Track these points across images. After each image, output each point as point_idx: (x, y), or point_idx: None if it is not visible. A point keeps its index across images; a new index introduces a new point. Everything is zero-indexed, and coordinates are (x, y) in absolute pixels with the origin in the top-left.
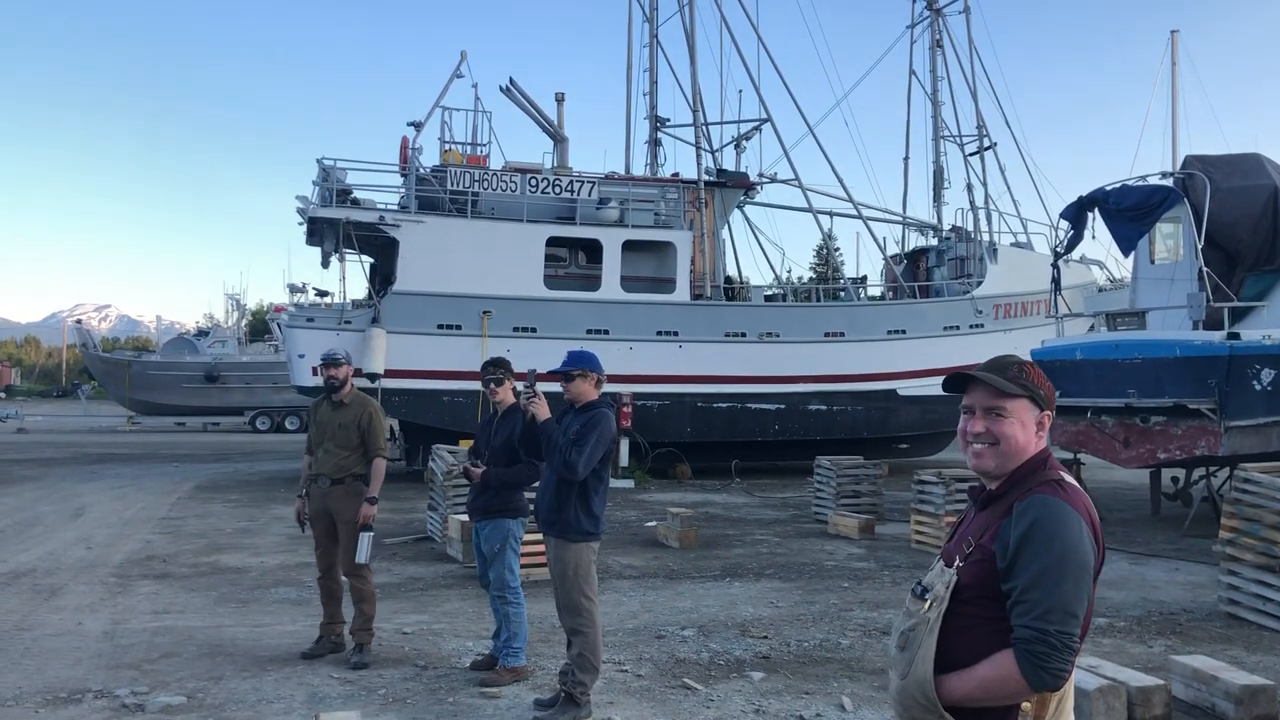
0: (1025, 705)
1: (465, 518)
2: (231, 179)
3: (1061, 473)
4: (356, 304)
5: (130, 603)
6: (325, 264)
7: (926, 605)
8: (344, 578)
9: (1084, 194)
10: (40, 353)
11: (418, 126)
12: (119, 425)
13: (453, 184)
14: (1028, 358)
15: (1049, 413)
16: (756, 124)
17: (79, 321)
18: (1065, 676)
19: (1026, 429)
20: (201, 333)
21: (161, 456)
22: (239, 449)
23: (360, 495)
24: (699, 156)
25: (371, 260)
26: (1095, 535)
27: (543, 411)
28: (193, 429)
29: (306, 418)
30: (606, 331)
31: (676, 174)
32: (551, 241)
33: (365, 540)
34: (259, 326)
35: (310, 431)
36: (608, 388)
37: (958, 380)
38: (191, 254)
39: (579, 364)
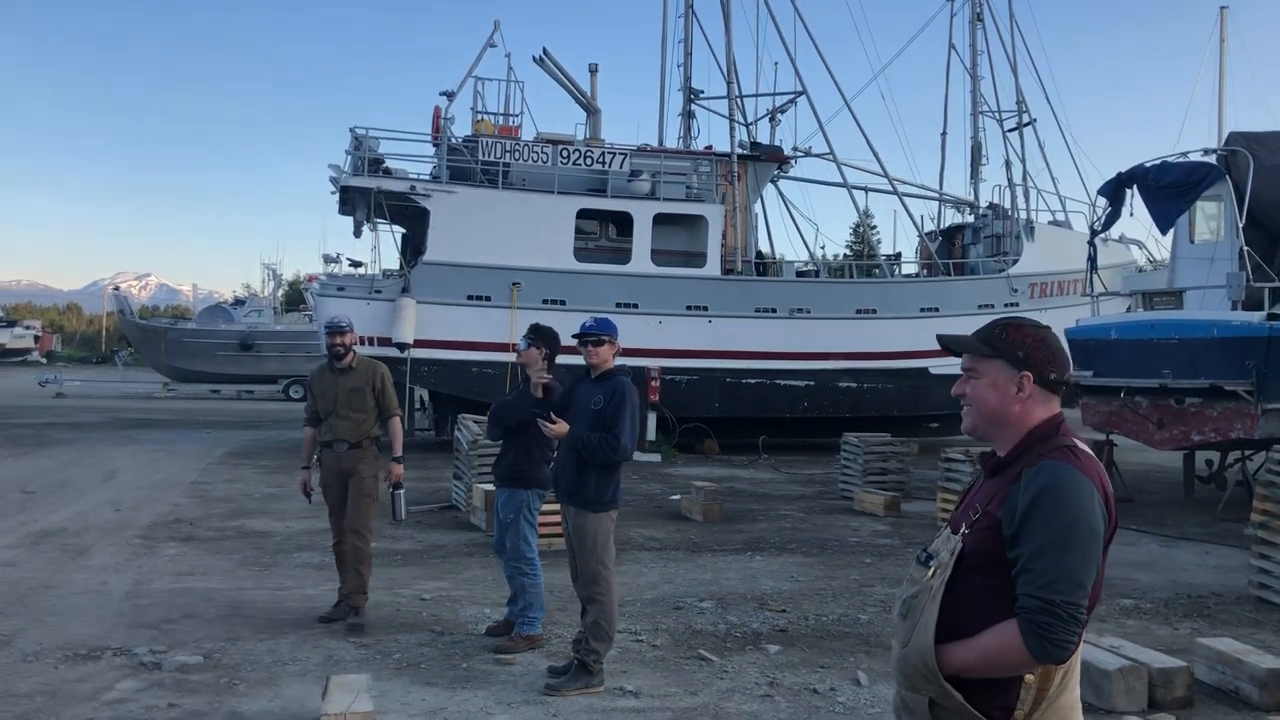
0: (1029, 677)
1: (489, 486)
2: (271, 149)
3: (1075, 439)
4: (387, 274)
5: (155, 564)
6: (357, 233)
7: (930, 572)
8: (346, 536)
9: (1123, 170)
10: (81, 320)
11: (450, 96)
12: (155, 391)
13: (484, 154)
14: (1035, 323)
15: (1028, 374)
16: (792, 97)
17: (117, 289)
18: (1071, 649)
19: (1000, 390)
20: (238, 301)
21: (195, 423)
22: (272, 416)
23: (376, 456)
24: (732, 129)
25: (403, 230)
26: (1107, 504)
27: (561, 430)
28: (227, 396)
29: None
30: (636, 305)
31: (710, 147)
32: (582, 214)
33: (399, 498)
34: (295, 296)
35: (311, 402)
36: (637, 361)
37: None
38: (231, 224)
39: (607, 330)
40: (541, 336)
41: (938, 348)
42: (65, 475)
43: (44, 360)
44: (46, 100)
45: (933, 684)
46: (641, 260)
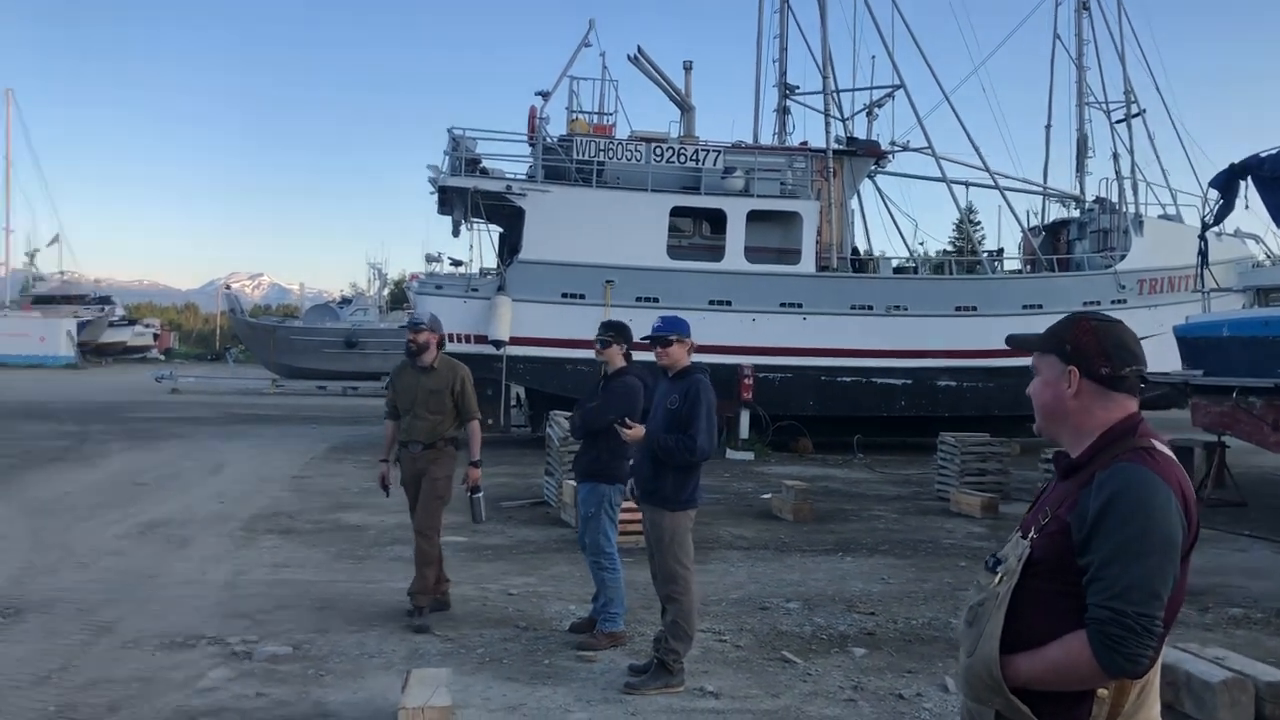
0: (1102, 692)
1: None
2: (379, 149)
3: (1153, 440)
4: (484, 272)
5: (253, 555)
6: (456, 233)
7: (997, 579)
8: (415, 536)
9: (1236, 161)
10: (197, 318)
11: (545, 96)
12: (264, 388)
13: (578, 153)
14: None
15: (1073, 368)
16: (889, 90)
17: (229, 288)
18: (1146, 663)
19: (1053, 386)
20: (345, 300)
21: (301, 418)
22: (374, 412)
23: (452, 457)
24: (828, 124)
25: (500, 229)
26: (1186, 510)
27: (637, 434)
28: (333, 393)
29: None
30: (729, 303)
31: (805, 143)
32: (675, 211)
33: (479, 501)
34: (399, 295)
35: (392, 396)
36: (730, 359)
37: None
38: (340, 224)
39: (676, 329)
40: (620, 333)
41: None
42: (176, 468)
43: (162, 357)
44: (166, 106)
45: (999, 696)
46: (735, 257)
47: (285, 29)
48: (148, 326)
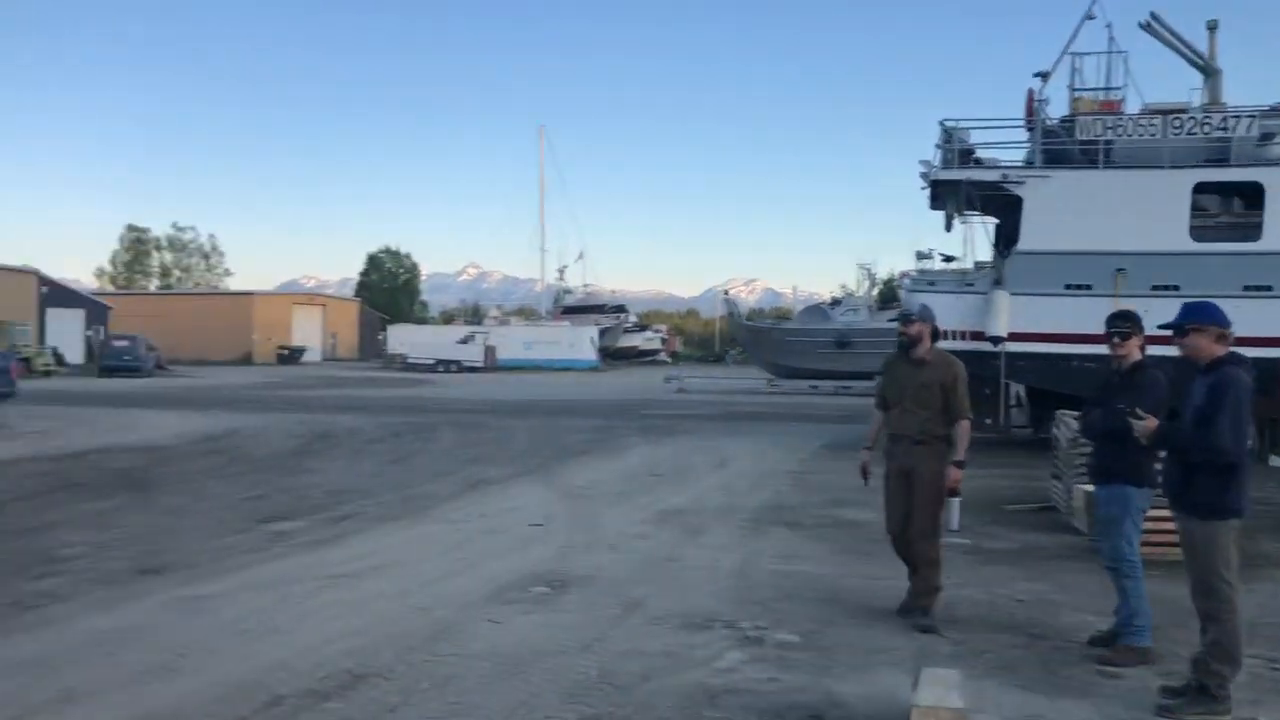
0: None
1: (1091, 487)
2: (863, 147)
3: None
4: (979, 266)
5: (760, 546)
6: (948, 227)
7: None
8: (914, 540)
9: None
10: (698, 323)
11: (1044, 77)
12: (760, 387)
13: (1082, 134)
14: None
15: None
16: None
17: (725, 293)
18: None
19: None
20: (835, 301)
21: (797, 416)
22: (866, 412)
23: (941, 456)
24: None
25: (996, 221)
26: None
27: (1150, 425)
28: (825, 391)
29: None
30: (1270, 288)
31: None
32: (1199, 188)
33: (955, 506)
34: (889, 294)
35: (882, 387)
36: (1271, 353)
37: None
38: (827, 226)
39: (1191, 317)
40: (1137, 324)
41: None
42: (686, 461)
43: (669, 360)
44: (665, 121)
45: None
46: (1276, 236)
47: (766, 30)
48: (656, 332)
